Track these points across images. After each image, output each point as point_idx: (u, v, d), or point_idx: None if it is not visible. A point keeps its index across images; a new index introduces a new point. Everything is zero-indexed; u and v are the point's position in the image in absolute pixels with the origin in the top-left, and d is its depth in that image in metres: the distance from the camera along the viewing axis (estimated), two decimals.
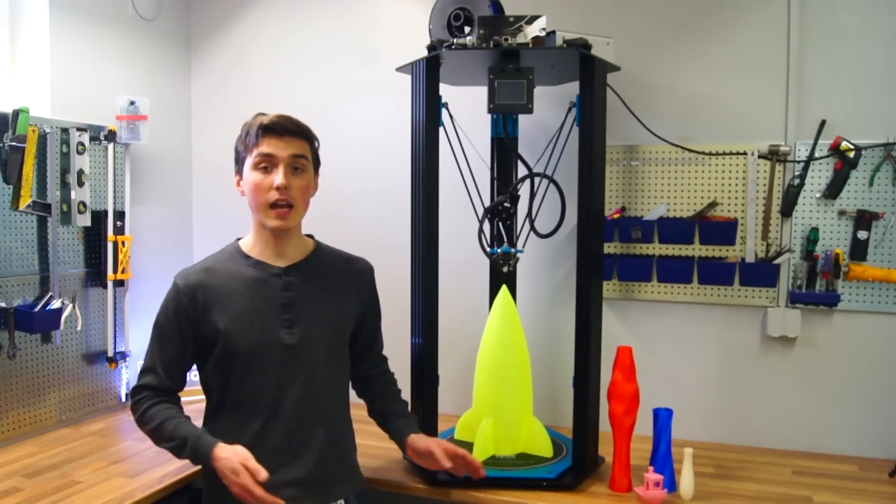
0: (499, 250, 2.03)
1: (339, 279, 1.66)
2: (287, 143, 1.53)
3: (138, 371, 1.61)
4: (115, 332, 2.44)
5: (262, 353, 1.54)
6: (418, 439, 1.65)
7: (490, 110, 1.86)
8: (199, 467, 1.89)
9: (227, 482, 1.41)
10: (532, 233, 2.00)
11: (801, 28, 2.10)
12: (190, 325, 1.55)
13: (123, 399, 2.50)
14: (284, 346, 1.55)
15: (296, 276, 1.59)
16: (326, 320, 1.61)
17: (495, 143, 2.13)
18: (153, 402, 1.55)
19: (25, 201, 2.14)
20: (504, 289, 2.02)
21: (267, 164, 1.52)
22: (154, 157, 2.66)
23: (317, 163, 1.63)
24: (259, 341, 1.54)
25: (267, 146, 1.51)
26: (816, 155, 2.10)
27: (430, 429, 1.91)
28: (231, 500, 1.57)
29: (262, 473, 1.38)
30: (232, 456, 1.42)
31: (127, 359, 2.48)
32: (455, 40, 1.85)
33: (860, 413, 2.11)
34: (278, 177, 1.50)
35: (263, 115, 1.56)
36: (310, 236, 1.70)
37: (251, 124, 1.55)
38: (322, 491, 1.58)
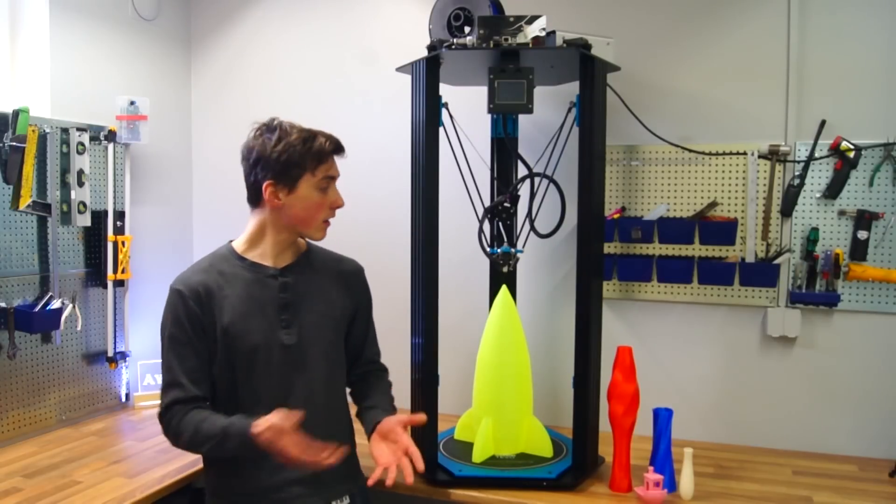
0: (499, 250, 2.03)
1: (331, 278, 1.67)
2: (338, 164, 1.60)
3: (161, 392, 1.53)
4: (115, 332, 2.44)
5: (264, 354, 1.54)
6: (386, 421, 1.59)
7: (490, 110, 1.86)
8: (198, 467, 1.91)
9: (282, 453, 1.40)
10: (532, 233, 2.00)
11: (801, 28, 2.10)
12: (201, 326, 1.53)
13: (123, 399, 2.50)
14: (284, 346, 1.55)
15: (291, 276, 1.60)
16: (322, 319, 1.62)
17: (495, 143, 2.13)
18: (183, 413, 1.49)
19: (25, 201, 2.14)
20: (504, 289, 2.02)
21: (328, 185, 1.58)
22: (154, 157, 2.66)
23: None
24: (260, 342, 1.54)
25: (333, 168, 1.58)
26: (816, 155, 2.10)
27: (430, 429, 1.91)
28: (238, 498, 1.57)
29: (297, 415, 1.40)
30: (267, 424, 1.40)
31: (127, 359, 2.48)
32: (455, 40, 1.84)
33: (860, 413, 2.11)
34: (339, 197, 1.59)
35: (322, 133, 1.56)
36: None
37: (310, 141, 1.53)
38: (328, 488, 1.59)
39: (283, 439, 1.39)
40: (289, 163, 1.52)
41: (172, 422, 1.50)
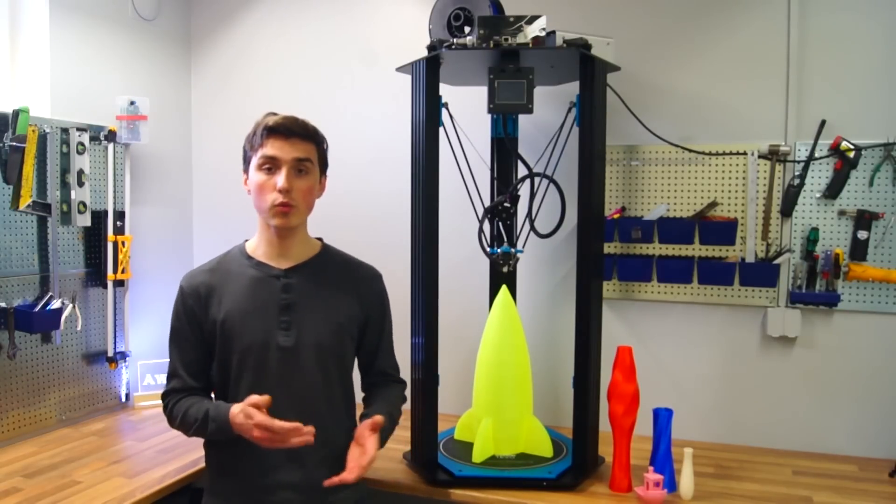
0: (499, 250, 2.02)
1: (341, 282, 1.64)
2: (292, 146, 1.52)
3: (165, 379, 1.63)
4: (115, 332, 2.43)
5: (258, 354, 1.54)
6: (360, 425, 1.56)
7: (490, 110, 1.86)
8: (198, 467, 1.90)
9: (251, 435, 1.44)
10: (532, 233, 2.00)
11: (801, 28, 2.10)
12: (198, 324, 1.57)
13: (123, 399, 2.50)
14: (280, 348, 1.54)
15: (296, 277, 1.59)
16: (325, 323, 1.59)
17: (495, 143, 2.13)
18: (178, 398, 1.57)
19: (25, 201, 2.14)
20: (504, 289, 2.02)
21: (271, 165, 1.52)
22: (154, 157, 2.66)
23: (324, 164, 1.62)
24: (255, 342, 1.54)
25: (271, 148, 1.51)
26: (816, 155, 2.10)
27: (431, 429, 1.91)
28: (232, 499, 1.57)
29: (265, 398, 1.43)
30: (240, 410, 1.45)
31: (127, 359, 2.48)
32: (455, 40, 1.84)
33: (860, 413, 2.11)
34: (281, 179, 1.50)
35: (274, 114, 1.56)
36: (319, 239, 1.69)
37: (259, 124, 1.55)
38: (319, 495, 1.54)
39: (250, 425, 1.43)
40: (244, 147, 1.58)
41: (168, 406, 1.59)
